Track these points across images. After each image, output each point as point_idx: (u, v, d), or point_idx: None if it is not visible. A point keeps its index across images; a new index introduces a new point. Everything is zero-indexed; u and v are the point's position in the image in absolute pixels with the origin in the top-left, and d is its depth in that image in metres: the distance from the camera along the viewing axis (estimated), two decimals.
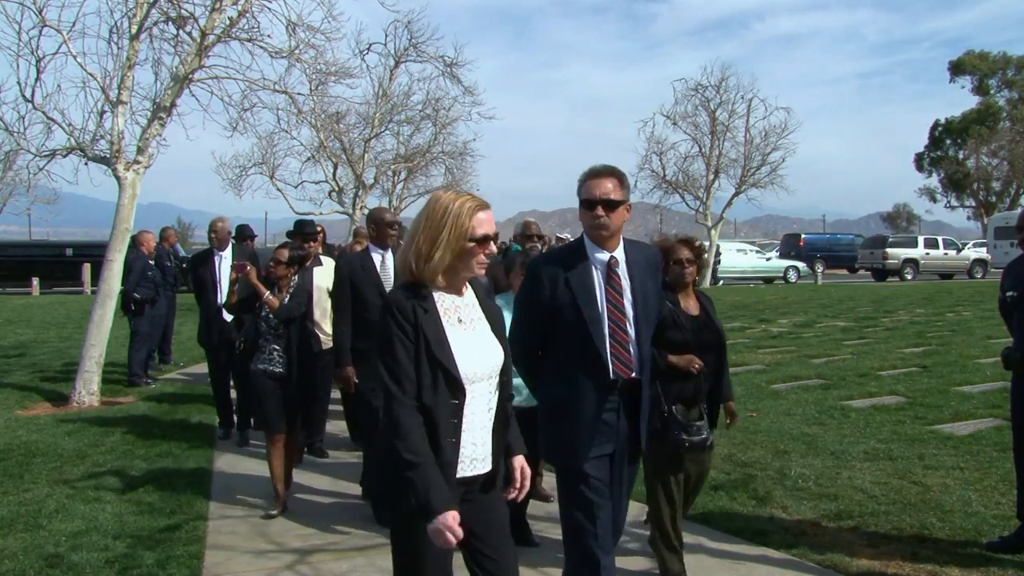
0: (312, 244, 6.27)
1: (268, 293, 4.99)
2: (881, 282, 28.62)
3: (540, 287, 2.91)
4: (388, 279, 4.87)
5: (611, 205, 2.89)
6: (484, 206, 2.33)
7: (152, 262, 9.87)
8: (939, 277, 29.88)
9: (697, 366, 3.66)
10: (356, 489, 5.40)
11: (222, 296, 6.64)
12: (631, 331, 2.93)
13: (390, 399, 2.21)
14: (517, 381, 3.99)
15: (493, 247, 2.35)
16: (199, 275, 7.14)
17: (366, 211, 21.47)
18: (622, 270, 2.96)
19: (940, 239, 31.97)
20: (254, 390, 5.00)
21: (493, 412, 2.38)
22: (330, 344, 6.00)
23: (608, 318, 2.91)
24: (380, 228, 5.02)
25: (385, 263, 4.98)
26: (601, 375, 2.88)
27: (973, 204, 51.25)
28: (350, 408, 6.41)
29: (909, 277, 29.12)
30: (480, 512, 2.36)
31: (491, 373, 2.35)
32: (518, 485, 2.48)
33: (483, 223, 2.31)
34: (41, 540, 4.43)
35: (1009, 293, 4.27)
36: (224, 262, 7.00)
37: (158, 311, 9.93)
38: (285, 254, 5.16)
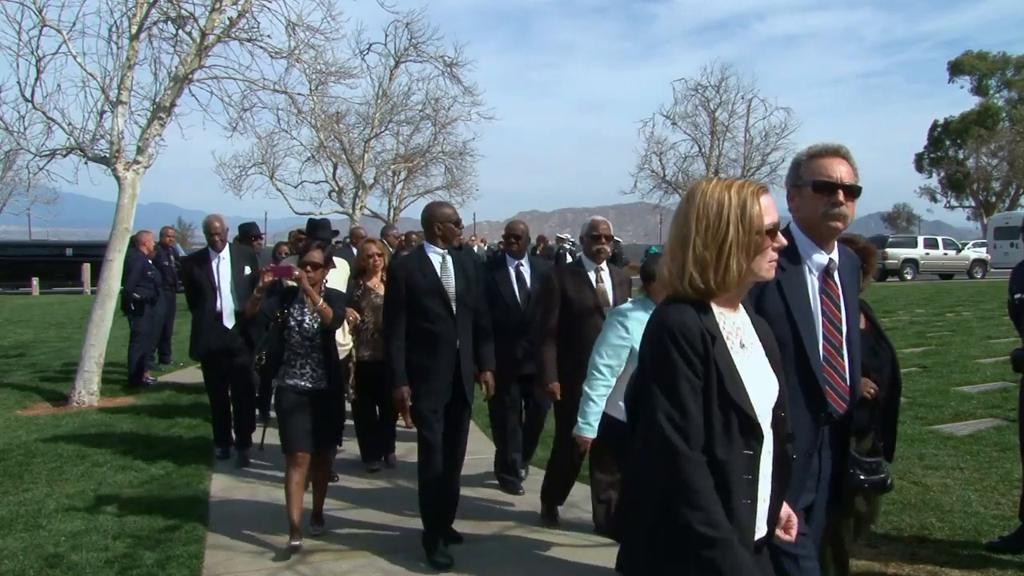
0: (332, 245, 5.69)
1: (322, 300, 4.39)
2: (881, 282, 28.61)
3: None
4: (450, 283, 4.29)
5: (853, 192, 2.36)
6: (765, 189, 1.88)
7: (151, 262, 9.87)
8: (939, 277, 29.88)
9: (872, 391, 3.11)
10: (355, 490, 5.41)
11: (220, 301, 6.24)
12: (846, 353, 2.39)
13: (674, 454, 1.71)
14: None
15: (783, 239, 1.89)
16: (195, 278, 6.39)
17: (366, 211, 21.50)
18: (836, 277, 2.41)
19: (940, 239, 31.93)
20: (280, 409, 4.43)
21: (771, 459, 1.91)
22: (344, 355, 5.63)
23: (824, 336, 2.36)
24: (444, 225, 4.35)
25: (446, 265, 4.32)
26: (815, 408, 2.32)
27: (973, 204, 51.26)
28: (363, 427, 5.94)
29: (909, 277, 29.11)
30: None
31: (770, 409, 1.89)
32: (791, 533, 2.03)
33: (769, 210, 1.85)
34: (41, 540, 4.44)
35: (1017, 295, 4.25)
36: (223, 263, 6.38)
37: (158, 311, 9.92)
38: (320, 255, 4.51)
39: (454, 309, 4.26)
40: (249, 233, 7.14)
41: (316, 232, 5.92)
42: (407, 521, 4.70)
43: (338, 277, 5.74)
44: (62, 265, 25.43)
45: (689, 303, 1.81)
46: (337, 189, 21.74)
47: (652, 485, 1.79)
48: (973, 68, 51.79)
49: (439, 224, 4.34)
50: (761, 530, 1.88)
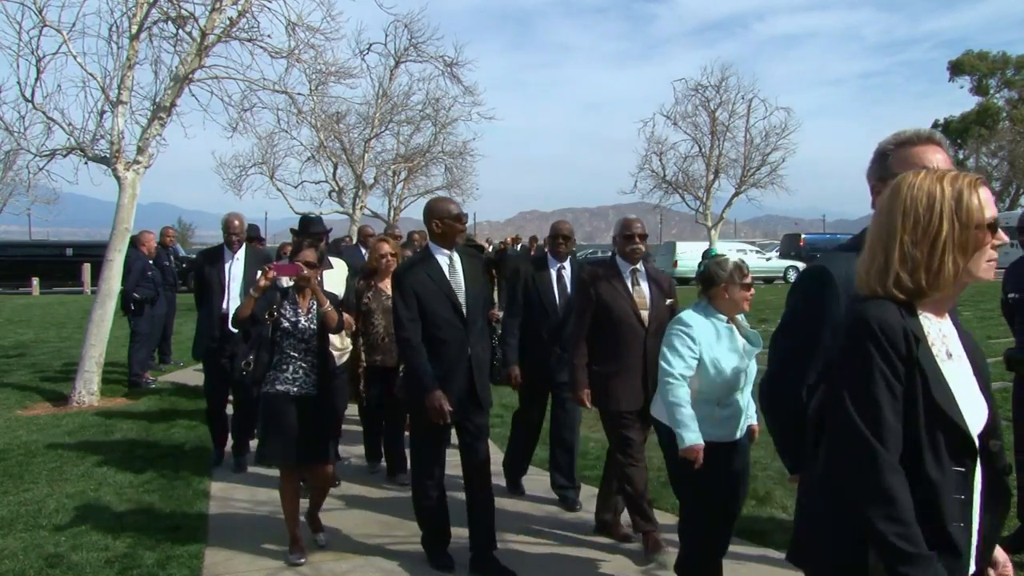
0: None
1: (329, 303, 4.24)
2: None
3: (836, 302, 1.94)
4: (459, 286, 4.04)
5: None
6: (983, 180, 1.67)
7: (152, 262, 9.87)
8: None
9: None
10: (356, 490, 5.41)
11: (228, 303, 6.07)
12: None
13: (872, 458, 1.55)
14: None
15: (1004, 236, 1.68)
16: (205, 275, 6.21)
17: (366, 211, 21.49)
18: None
19: None
20: (268, 416, 4.18)
21: (982, 490, 1.70)
22: (343, 360, 5.55)
23: None
24: (443, 221, 4.05)
25: (454, 266, 4.05)
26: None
27: None
28: (368, 428, 5.87)
29: None
30: None
31: (979, 435, 1.66)
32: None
33: (989, 203, 1.64)
34: (41, 540, 4.43)
35: (1011, 295, 4.26)
36: (236, 264, 6.20)
37: (158, 311, 9.92)
38: (313, 254, 4.35)
39: (465, 313, 4.02)
40: (250, 235, 7.05)
41: (309, 228, 5.77)
42: (407, 522, 4.69)
43: (336, 279, 5.60)
44: (62, 265, 25.46)
45: (892, 302, 1.63)
46: (337, 189, 21.73)
47: (843, 497, 1.62)
48: (973, 68, 51.78)
49: (437, 221, 4.05)
50: (969, 566, 1.67)
